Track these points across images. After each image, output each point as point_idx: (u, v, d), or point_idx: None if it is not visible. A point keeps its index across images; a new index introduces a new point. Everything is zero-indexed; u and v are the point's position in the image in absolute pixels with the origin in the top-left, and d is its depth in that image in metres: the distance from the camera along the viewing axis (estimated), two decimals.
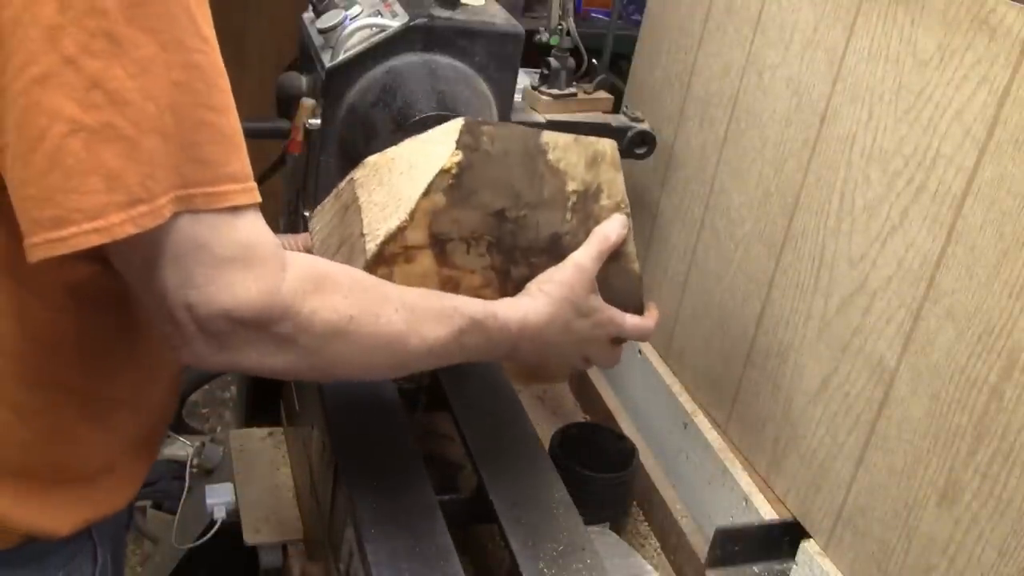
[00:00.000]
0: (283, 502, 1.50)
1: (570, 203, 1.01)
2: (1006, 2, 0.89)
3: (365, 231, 0.96)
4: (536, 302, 0.97)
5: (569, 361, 1.09)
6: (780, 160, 1.20)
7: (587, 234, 1.03)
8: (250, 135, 1.25)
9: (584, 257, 1.00)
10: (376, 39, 1.17)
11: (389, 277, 0.94)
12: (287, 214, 1.44)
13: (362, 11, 1.22)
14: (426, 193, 0.94)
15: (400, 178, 0.97)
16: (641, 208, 1.46)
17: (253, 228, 0.75)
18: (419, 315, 0.87)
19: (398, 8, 1.21)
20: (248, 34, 2.79)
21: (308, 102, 1.20)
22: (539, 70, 1.48)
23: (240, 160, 0.75)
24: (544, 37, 1.48)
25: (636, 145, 1.37)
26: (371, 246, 0.94)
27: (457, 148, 0.94)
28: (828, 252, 1.11)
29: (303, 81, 1.25)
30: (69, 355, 0.85)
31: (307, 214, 1.25)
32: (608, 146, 1.04)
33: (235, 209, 0.74)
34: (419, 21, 1.17)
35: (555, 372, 1.08)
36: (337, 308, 0.80)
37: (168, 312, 0.74)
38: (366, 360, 0.85)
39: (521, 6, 1.99)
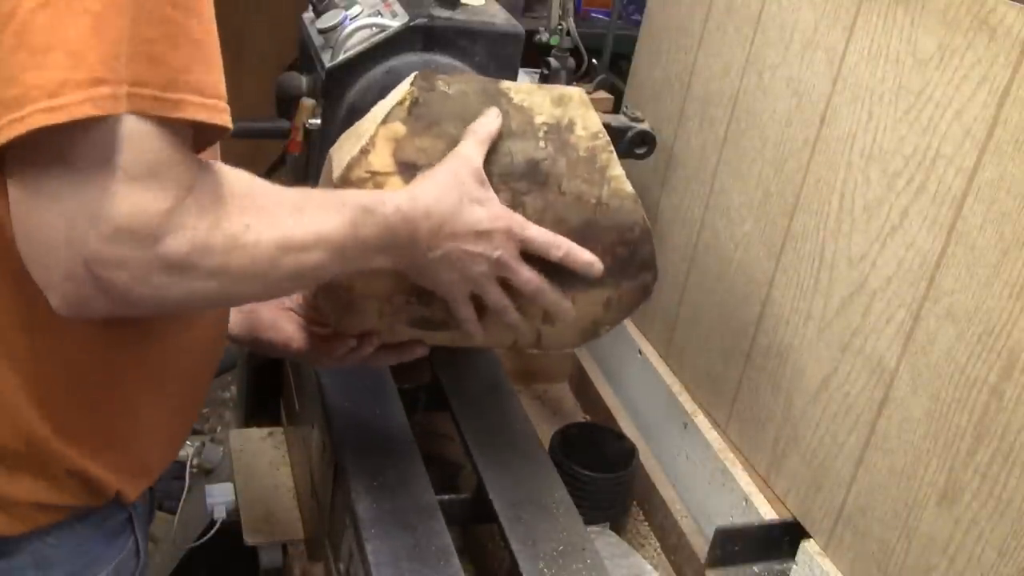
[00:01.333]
0: (283, 502, 1.50)
1: (541, 132, 1.03)
2: (1006, 2, 0.89)
3: (334, 167, 0.98)
4: (421, 182, 0.94)
5: (475, 270, 0.96)
6: (780, 160, 1.20)
7: (568, 161, 1.03)
8: (250, 135, 1.26)
9: (462, 147, 0.97)
10: (376, 39, 1.18)
11: None
12: None
13: (362, 11, 1.22)
14: (384, 122, 0.97)
15: (365, 123, 1.01)
16: None
17: (181, 145, 0.69)
18: (308, 211, 0.81)
19: (398, 8, 1.21)
20: (248, 34, 2.79)
21: (308, 102, 1.20)
22: (539, 70, 1.48)
23: (208, 72, 0.69)
24: (544, 37, 1.48)
25: (636, 145, 1.37)
26: (336, 173, 0.96)
27: (412, 86, 0.99)
28: (828, 252, 1.11)
29: (303, 81, 1.25)
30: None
31: None
32: (575, 91, 1.08)
33: (189, 123, 0.68)
34: (419, 21, 1.17)
35: (459, 293, 0.98)
36: (233, 218, 0.74)
37: (52, 242, 0.67)
38: (267, 270, 0.77)
39: (521, 6, 1.99)
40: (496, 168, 1.00)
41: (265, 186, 0.79)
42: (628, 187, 1.06)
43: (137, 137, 0.66)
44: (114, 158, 0.66)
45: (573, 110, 1.06)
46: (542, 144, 1.03)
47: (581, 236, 1.03)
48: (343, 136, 1.04)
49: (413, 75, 1.01)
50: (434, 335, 1.07)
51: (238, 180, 0.76)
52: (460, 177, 0.95)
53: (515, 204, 1.00)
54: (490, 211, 0.96)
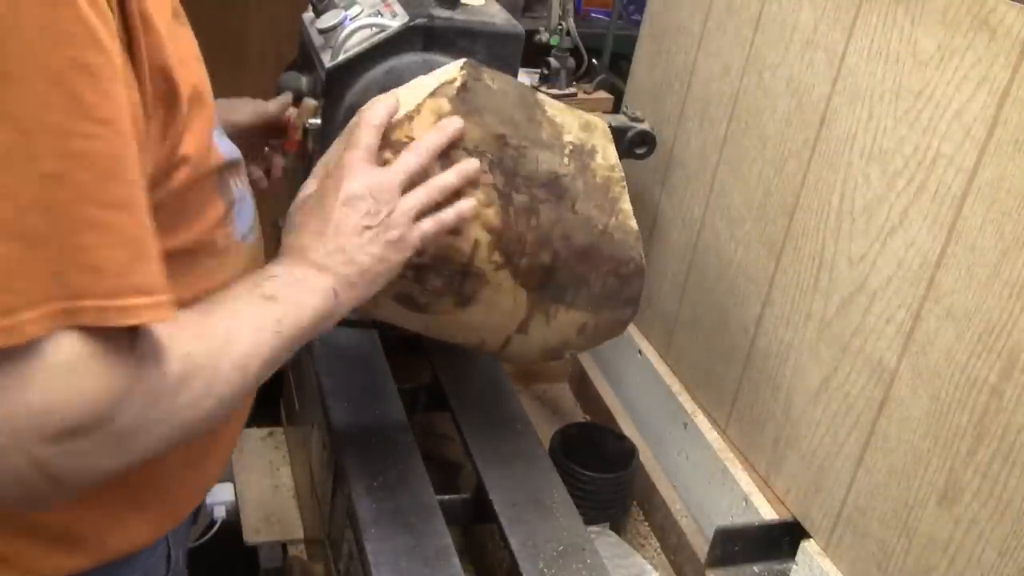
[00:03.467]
0: (283, 502, 1.50)
1: (567, 150, 1.05)
2: (1006, 2, 0.89)
3: None
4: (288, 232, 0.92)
5: (386, 239, 0.92)
6: (780, 160, 1.20)
7: (585, 184, 1.06)
8: None
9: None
10: (376, 39, 1.17)
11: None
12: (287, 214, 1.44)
13: (362, 11, 1.22)
14: (432, 94, 0.99)
15: (405, 94, 1.01)
16: (641, 208, 1.46)
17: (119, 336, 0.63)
18: (244, 350, 0.75)
19: (398, 8, 1.21)
20: (248, 34, 2.78)
21: (311, 103, 1.20)
22: (539, 70, 1.48)
23: (149, 267, 0.64)
24: (544, 37, 1.49)
25: (636, 145, 1.37)
26: None
27: (462, 71, 1.01)
28: (828, 252, 1.11)
29: (303, 81, 1.25)
30: None
31: None
32: (600, 122, 1.11)
33: (137, 328, 0.63)
34: (419, 21, 1.17)
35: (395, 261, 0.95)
36: (173, 379, 0.68)
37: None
38: (219, 400, 0.73)
39: (521, 6, 1.99)
40: (522, 170, 1.02)
41: (211, 337, 0.74)
42: (633, 224, 1.10)
43: (70, 345, 0.61)
44: (41, 372, 0.60)
45: (596, 139, 1.09)
46: (566, 161, 1.05)
47: (581, 256, 1.06)
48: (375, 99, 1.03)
49: (463, 61, 1.02)
50: (411, 316, 1.07)
51: (168, 341, 0.69)
52: (322, 191, 0.92)
53: (531, 208, 1.02)
54: (351, 186, 0.91)
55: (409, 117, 0.98)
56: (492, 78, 1.04)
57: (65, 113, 0.59)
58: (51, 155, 0.59)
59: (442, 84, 1.00)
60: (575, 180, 1.05)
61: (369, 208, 0.91)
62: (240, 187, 0.90)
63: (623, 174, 1.10)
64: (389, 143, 0.97)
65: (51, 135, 0.59)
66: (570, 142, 1.06)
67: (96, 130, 0.60)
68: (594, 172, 1.07)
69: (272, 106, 1.18)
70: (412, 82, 1.03)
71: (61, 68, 0.59)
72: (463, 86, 1.00)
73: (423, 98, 0.99)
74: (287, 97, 1.19)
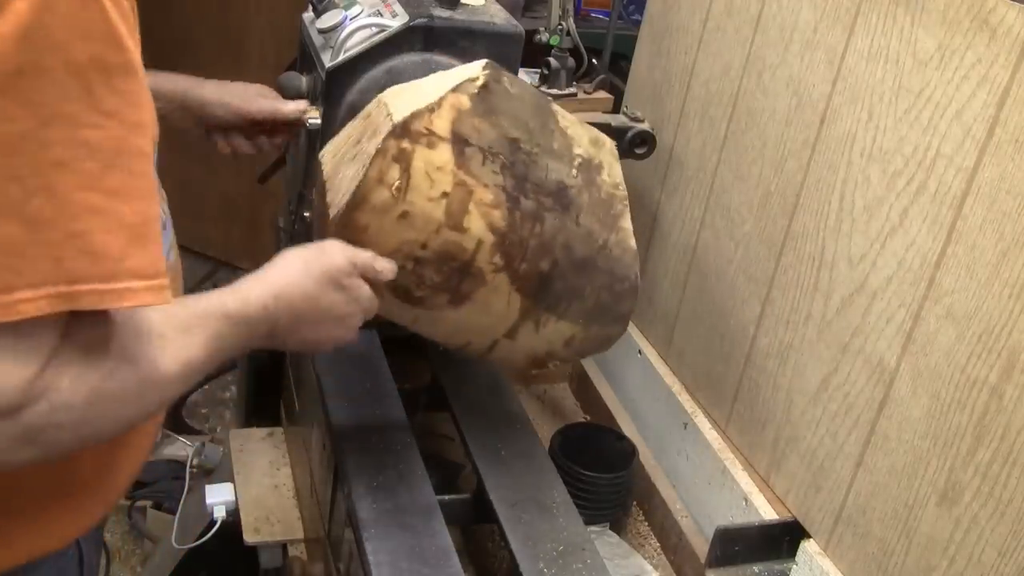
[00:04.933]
0: (283, 502, 1.50)
1: (576, 163, 1.07)
2: (1006, 2, 0.89)
3: (391, 111, 0.99)
4: (283, 277, 0.92)
5: (327, 336, 0.97)
6: (780, 160, 1.20)
7: (590, 198, 1.07)
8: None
9: (330, 249, 0.97)
10: (376, 39, 1.18)
11: (410, 156, 0.97)
12: (287, 215, 1.44)
13: (362, 11, 1.22)
14: (454, 90, 1.00)
15: (428, 86, 1.03)
16: (641, 208, 1.46)
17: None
18: (170, 338, 0.76)
19: (398, 8, 1.21)
20: (248, 34, 2.79)
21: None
22: (539, 70, 1.48)
23: (148, 253, 0.67)
24: (544, 37, 1.49)
25: (636, 145, 1.37)
26: (398, 117, 0.98)
27: (484, 71, 1.02)
28: (828, 252, 1.11)
29: (303, 81, 1.25)
30: None
31: (307, 215, 1.25)
32: (607, 140, 1.14)
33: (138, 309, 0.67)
34: (419, 21, 1.17)
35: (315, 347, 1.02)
36: (96, 366, 0.70)
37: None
38: (135, 404, 0.74)
39: (521, 6, 1.99)
40: (532, 176, 1.03)
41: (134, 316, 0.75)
42: (633, 243, 1.12)
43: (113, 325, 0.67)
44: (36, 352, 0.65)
45: (604, 155, 1.12)
46: (574, 173, 1.07)
47: (579, 268, 1.08)
48: (395, 88, 1.05)
49: (485, 61, 1.04)
50: (403, 308, 1.06)
51: (104, 323, 0.71)
52: (324, 270, 0.93)
53: (536, 214, 1.03)
54: (348, 295, 0.95)
55: (430, 109, 0.99)
56: (512, 83, 1.05)
57: (79, 104, 0.63)
58: (61, 143, 0.62)
59: (464, 81, 1.01)
60: (581, 193, 1.07)
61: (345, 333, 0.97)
62: (164, 214, 0.91)
63: (627, 193, 1.12)
64: (408, 132, 0.97)
65: (64, 124, 0.62)
66: (579, 155, 1.08)
67: (102, 121, 0.64)
68: (599, 187, 1.09)
69: (289, 111, 1.21)
70: (433, 76, 1.05)
71: (83, 63, 0.62)
72: (485, 86, 1.01)
73: (445, 92, 1.00)
74: (301, 104, 1.22)
